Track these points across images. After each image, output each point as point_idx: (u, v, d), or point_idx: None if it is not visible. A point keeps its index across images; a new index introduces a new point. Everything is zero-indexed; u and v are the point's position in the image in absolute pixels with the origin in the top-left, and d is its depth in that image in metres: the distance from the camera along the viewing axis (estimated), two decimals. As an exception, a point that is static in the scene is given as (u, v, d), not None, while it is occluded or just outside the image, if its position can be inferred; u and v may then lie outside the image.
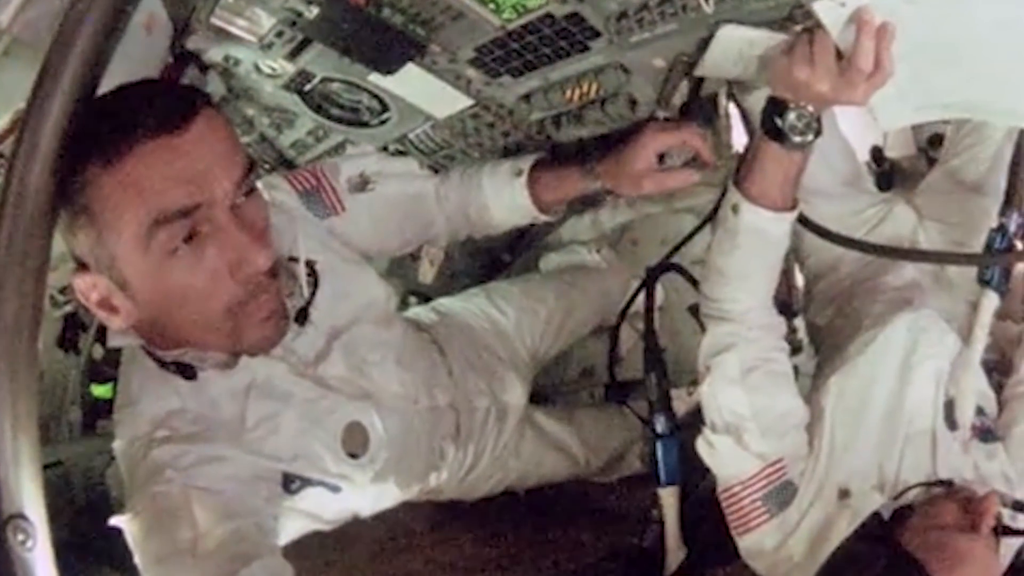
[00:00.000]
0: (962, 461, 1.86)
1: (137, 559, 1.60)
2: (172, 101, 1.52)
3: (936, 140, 2.62)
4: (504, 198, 2.30)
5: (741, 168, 1.89)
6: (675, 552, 2.37)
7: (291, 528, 1.86)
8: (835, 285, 2.34)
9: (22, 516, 1.23)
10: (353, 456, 1.93)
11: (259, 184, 1.89)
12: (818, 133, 1.74)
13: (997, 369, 2.10)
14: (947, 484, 1.80)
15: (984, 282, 1.89)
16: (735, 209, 1.88)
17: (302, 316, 1.91)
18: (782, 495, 1.93)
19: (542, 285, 2.93)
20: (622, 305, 2.81)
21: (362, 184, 2.24)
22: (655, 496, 2.41)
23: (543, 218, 2.35)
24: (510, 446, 2.57)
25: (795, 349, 2.43)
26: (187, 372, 1.74)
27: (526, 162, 2.28)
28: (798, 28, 1.64)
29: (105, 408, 3.15)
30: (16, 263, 1.24)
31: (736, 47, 1.74)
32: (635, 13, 1.75)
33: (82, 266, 1.58)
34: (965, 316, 2.00)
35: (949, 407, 1.89)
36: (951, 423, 1.88)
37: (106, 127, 1.43)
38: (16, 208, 1.25)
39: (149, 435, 1.70)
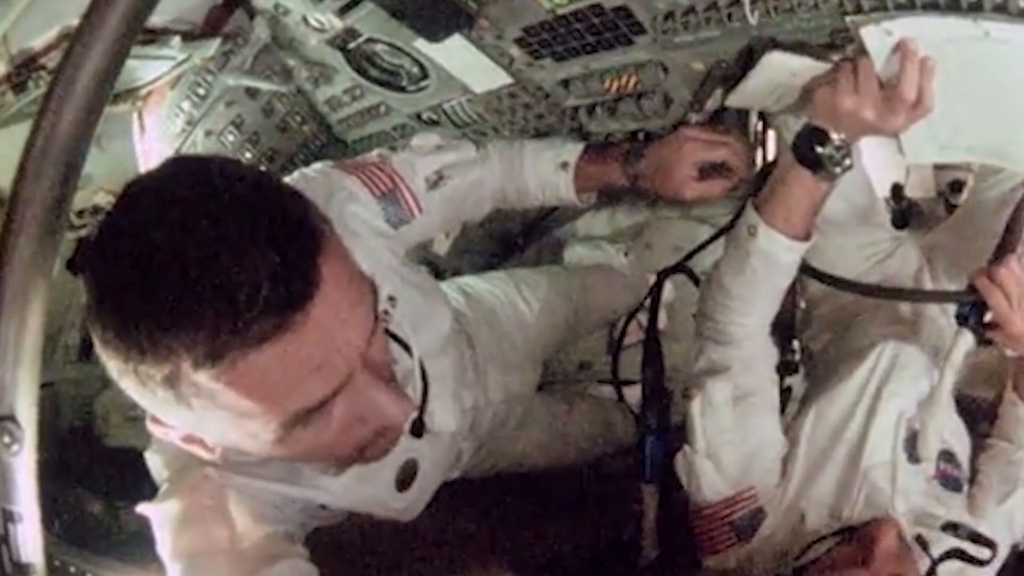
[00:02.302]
0: (923, 495, 1.87)
1: (163, 548, 1.48)
2: (287, 263, 1.07)
3: (956, 186, 2.64)
4: (548, 188, 2.28)
5: (765, 189, 1.89)
6: (650, 549, 2.39)
7: (310, 528, 1.77)
8: (834, 312, 2.36)
9: (12, 419, 1.18)
10: (401, 490, 1.85)
11: (328, 186, 1.81)
12: (850, 165, 1.76)
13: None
14: (849, 530, 1.79)
15: (961, 318, 1.84)
16: (752, 231, 1.88)
17: (417, 427, 1.77)
18: (751, 521, 1.94)
19: (569, 281, 2.92)
20: (634, 305, 2.84)
21: (437, 181, 2.11)
22: (639, 491, 2.43)
23: (579, 205, 2.35)
24: (513, 432, 2.58)
25: (792, 369, 2.46)
26: None
27: (571, 154, 2.24)
28: (837, 58, 1.67)
29: None
30: (51, 168, 1.20)
31: (778, 75, 1.77)
32: (681, 15, 1.79)
33: (163, 424, 1.28)
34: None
35: (912, 440, 1.90)
36: (914, 457, 1.89)
37: (198, 320, 1.04)
38: (55, 116, 1.20)
39: (194, 457, 1.41)
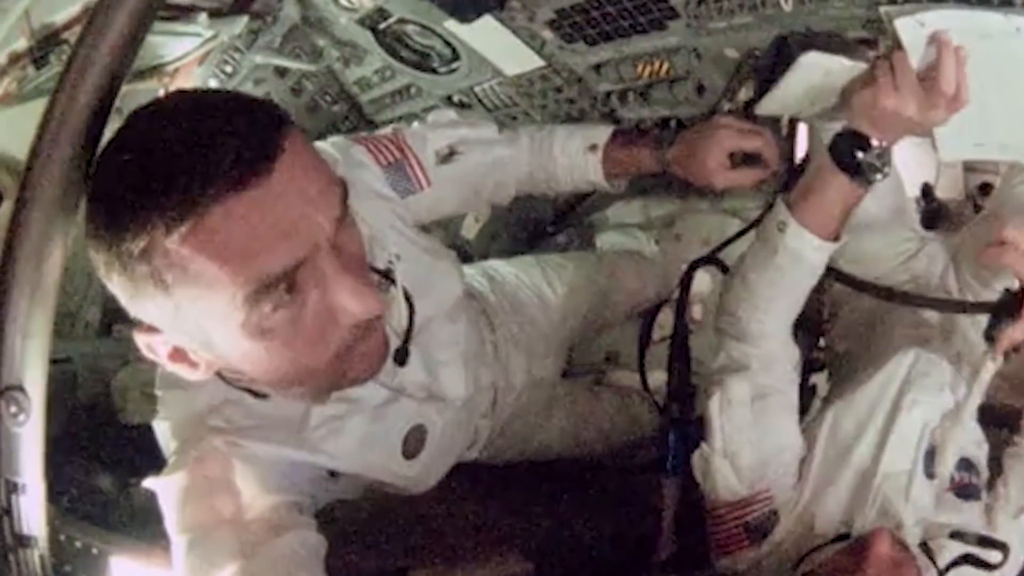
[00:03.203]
0: (935, 508, 1.81)
1: (169, 522, 1.48)
2: (248, 135, 1.19)
3: (985, 188, 2.58)
4: (576, 170, 2.25)
5: (798, 188, 1.83)
6: (668, 543, 2.37)
7: (321, 501, 1.78)
8: (859, 313, 2.31)
9: (20, 388, 1.18)
10: (408, 457, 1.85)
11: (338, 155, 1.85)
12: (889, 172, 1.71)
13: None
14: (845, 537, 1.74)
15: (990, 338, 1.73)
16: (781, 227, 1.82)
17: (401, 355, 1.75)
18: (765, 524, 1.89)
19: (596, 266, 2.90)
20: (665, 295, 2.81)
21: (449, 156, 2.11)
22: (660, 485, 2.40)
23: (608, 189, 2.31)
24: (538, 418, 2.57)
25: (818, 367, 2.42)
26: (258, 394, 1.56)
27: (600, 136, 2.20)
28: (873, 55, 1.63)
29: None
30: (67, 142, 1.19)
31: (813, 77, 1.72)
32: (716, 1, 1.76)
33: (147, 327, 1.32)
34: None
35: (930, 456, 1.83)
36: (929, 473, 1.82)
37: (171, 183, 1.13)
38: (73, 89, 1.19)
39: (201, 421, 1.53)
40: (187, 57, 2.14)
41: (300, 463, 1.63)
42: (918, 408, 1.85)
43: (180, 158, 1.13)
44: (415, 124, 2.16)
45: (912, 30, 1.47)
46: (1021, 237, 1.56)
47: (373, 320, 1.41)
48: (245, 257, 1.18)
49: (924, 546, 1.68)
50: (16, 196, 1.22)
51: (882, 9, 1.50)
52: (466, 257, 3.12)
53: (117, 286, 1.23)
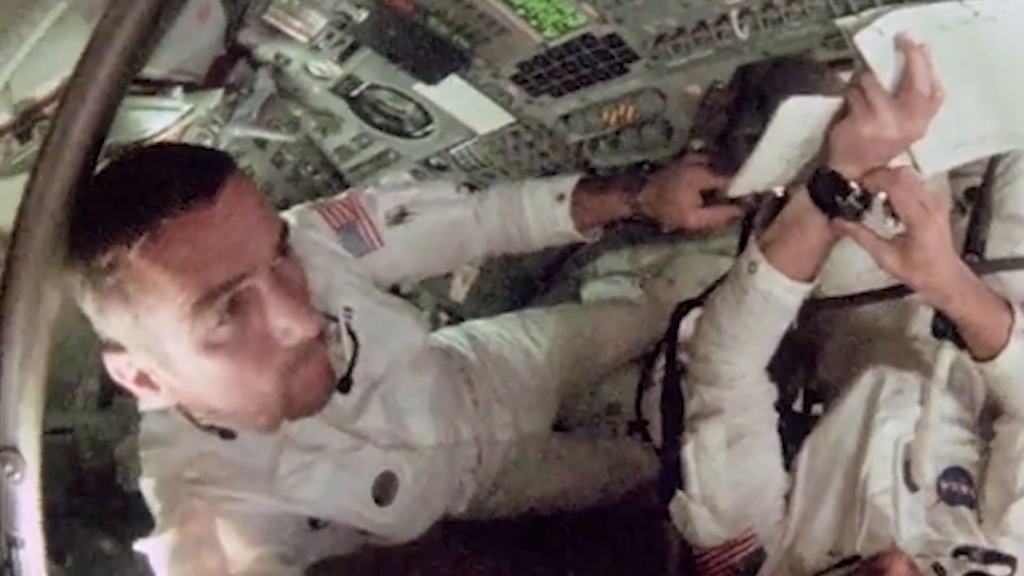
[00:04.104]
0: (925, 525, 1.74)
1: None
2: (198, 170, 1.41)
3: (971, 193, 2.56)
4: (546, 221, 2.26)
5: (772, 227, 1.78)
6: (673, 582, 2.34)
7: (311, 554, 1.82)
8: (846, 341, 2.27)
9: (14, 449, 1.24)
10: (379, 502, 1.90)
11: (293, 220, 1.93)
12: (868, 213, 1.62)
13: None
14: (853, 560, 1.68)
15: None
16: (752, 268, 1.77)
17: (344, 383, 1.84)
18: (752, 563, 1.86)
19: (580, 317, 2.89)
20: (659, 340, 2.79)
21: (400, 216, 2.17)
22: (662, 528, 2.37)
23: (581, 239, 2.32)
24: (530, 475, 2.54)
25: (817, 398, 2.40)
26: (225, 433, 1.69)
27: (567, 185, 2.22)
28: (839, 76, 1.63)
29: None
30: (48, 215, 1.25)
31: (795, 130, 1.66)
32: (672, 37, 1.77)
33: (115, 346, 1.48)
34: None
35: (908, 468, 1.78)
36: (911, 485, 1.77)
37: (131, 204, 1.35)
38: (53, 165, 1.25)
39: (179, 475, 1.65)
40: (168, 131, 2.16)
41: (279, 515, 1.71)
42: (890, 424, 1.81)
43: (139, 185, 1.37)
44: (369, 188, 2.24)
45: (873, 42, 1.45)
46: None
47: (313, 344, 1.57)
48: (191, 270, 1.36)
49: (937, 568, 1.64)
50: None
51: (838, 22, 1.49)
52: (457, 319, 3.12)
53: (88, 302, 1.41)
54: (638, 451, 2.81)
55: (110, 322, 1.42)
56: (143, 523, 1.69)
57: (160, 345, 1.43)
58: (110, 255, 1.33)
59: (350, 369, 1.86)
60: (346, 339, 1.87)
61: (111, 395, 3.34)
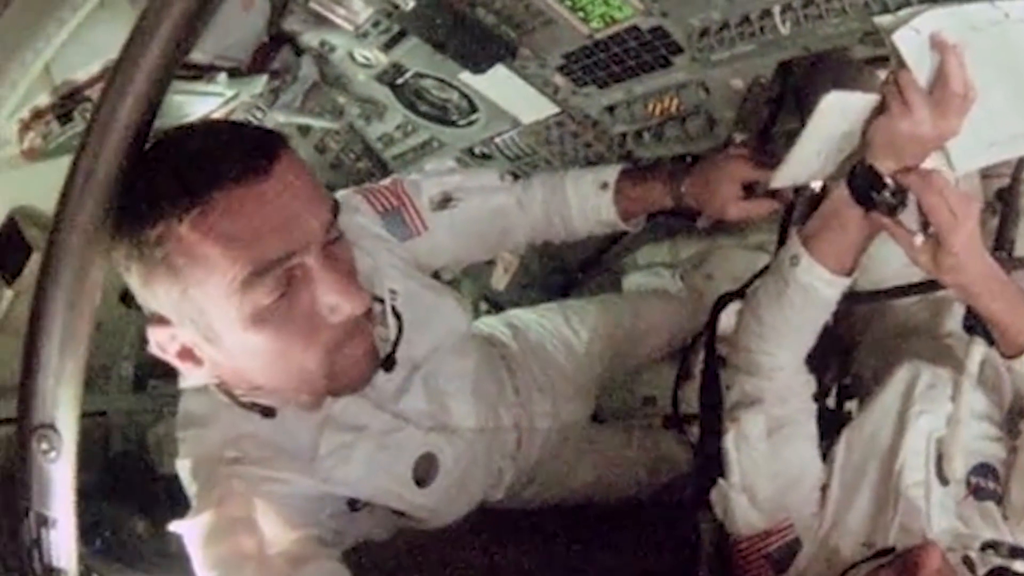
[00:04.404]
0: (954, 518, 1.77)
1: (196, 561, 1.57)
2: (252, 145, 1.43)
3: (1003, 194, 2.55)
4: (589, 210, 2.29)
5: (812, 220, 1.83)
6: (704, 579, 2.34)
7: (349, 537, 1.85)
8: (881, 337, 2.28)
9: (52, 427, 1.25)
10: (420, 484, 1.90)
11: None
12: (905, 207, 1.67)
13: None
14: (888, 552, 1.70)
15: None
16: (793, 261, 1.82)
17: (388, 362, 1.84)
18: (787, 552, 1.88)
19: (621, 308, 2.91)
20: (697, 332, 2.80)
21: (444, 202, 2.20)
22: (695, 521, 2.38)
23: (623, 227, 2.35)
24: (567, 465, 2.57)
25: (852, 394, 2.40)
26: (267, 411, 1.69)
27: (611, 174, 2.27)
28: (879, 74, 1.63)
29: (159, 368, 3.21)
30: (93, 196, 1.26)
31: (835, 123, 1.69)
32: (716, 31, 1.78)
33: (159, 319, 1.49)
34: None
35: (939, 462, 1.80)
36: (942, 479, 1.79)
37: (184, 177, 1.36)
38: (96, 148, 1.26)
39: (218, 455, 1.65)
40: (211, 117, 2.20)
41: (318, 496, 1.70)
42: (923, 418, 1.83)
43: (193, 158, 1.38)
44: (413, 174, 2.26)
45: (910, 41, 1.47)
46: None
47: (360, 321, 1.59)
48: (243, 243, 1.37)
49: (967, 560, 1.65)
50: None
51: (875, 19, 1.51)
52: (498, 308, 3.14)
53: (134, 275, 1.42)
54: (673, 444, 2.83)
55: (156, 295, 1.44)
56: (176, 506, 1.70)
57: (207, 319, 1.44)
58: (160, 227, 1.35)
59: (394, 348, 1.86)
60: (391, 320, 1.88)
61: (145, 379, 3.39)
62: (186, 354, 1.53)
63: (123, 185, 1.28)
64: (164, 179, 1.35)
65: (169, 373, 1.71)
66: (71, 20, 1.77)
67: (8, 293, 2.55)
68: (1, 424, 2.50)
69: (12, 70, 1.83)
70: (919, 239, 1.61)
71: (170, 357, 1.54)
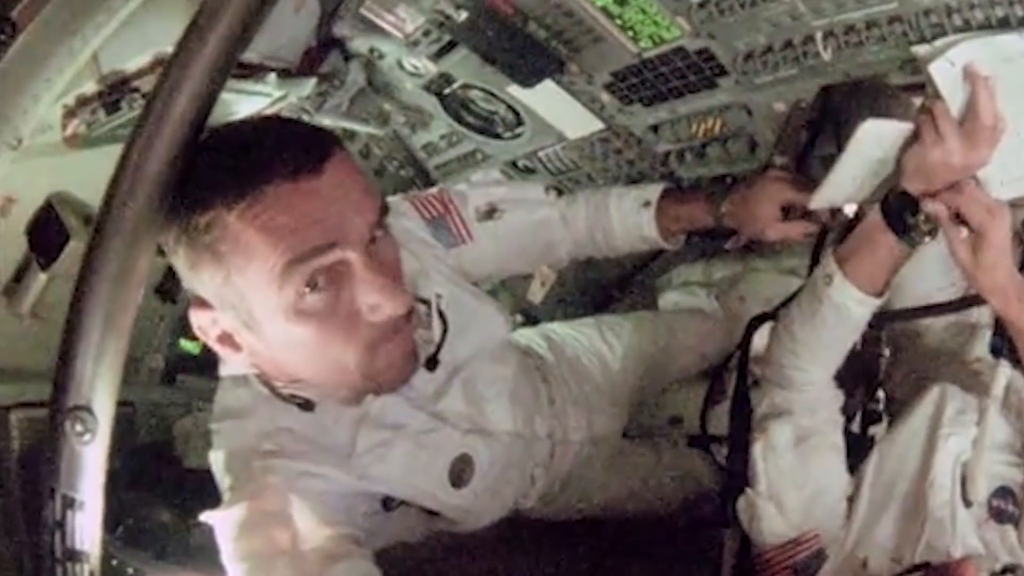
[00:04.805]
0: (976, 540, 1.78)
1: (226, 552, 1.56)
2: (306, 143, 1.45)
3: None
4: (631, 226, 2.30)
5: (847, 242, 1.87)
6: (723, 596, 2.36)
7: (380, 539, 1.82)
8: (915, 358, 2.31)
9: (88, 409, 1.23)
10: (455, 486, 1.90)
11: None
12: (936, 234, 1.73)
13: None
14: (924, 567, 1.72)
15: (996, 351, 1.81)
16: (827, 280, 1.86)
17: (432, 363, 1.85)
18: (813, 564, 1.90)
19: (655, 325, 2.91)
20: (728, 354, 2.82)
21: (489, 213, 2.19)
22: (718, 539, 2.40)
23: (663, 245, 2.35)
24: (599, 478, 2.59)
25: (877, 419, 2.42)
26: (306, 405, 1.68)
27: (653, 193, 2.25)
28: (915, 101, 1.68)
29: (189, 363, 3.24)
30: (141, 186, 1.25)
31: (871, 150, 1.74)
32: (760, 55, 1.84)
33: (202, 302, 1.51)
34: None
35: (964, 484, 1.82)
36: (966, 501, 1.80)
37: (238, 169, 1.38)
38: (148, 141, 1.25)
39: (255, 447, 1.64)
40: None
41: (353, 494, 1.70)
42: (952, 440, 1.85)
43: (247, 151, 1.40)
44: (460, 184, 2.27)
45: (945, 72, 1.51)
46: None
47: (400, 322, 1.57)
48: (285, 233, 1.38)
49: None
50: (89, 234, 1.28)
51: (913, 49, 1.56)
52: (533, 321, 3.18)
53: (181, 257, 1.44)
54: (698, 462, 2.84)
55: (201, 279, 1.45)
56: (201, 499, 1.69)
57: (247, 305, 1.45)
58: (209, 215, 1.37)
59: (438, 349, 1.87)
60: (436, 322, 1.90)
61: (175, 373, 3.37)
62: (226, 339, 1.54)
63: (176, 177, 1.30)
64: (219, 169, 1.37)
65: (199, 369, 1.69)
66: (121, 9, 1.76)
67: (42, 277, 2.48)
68: (23, 407, 2.51)
69: (59, 54, 1.80)
70: (964, 232, 1.65)
71: (210, 340, 1.55)
